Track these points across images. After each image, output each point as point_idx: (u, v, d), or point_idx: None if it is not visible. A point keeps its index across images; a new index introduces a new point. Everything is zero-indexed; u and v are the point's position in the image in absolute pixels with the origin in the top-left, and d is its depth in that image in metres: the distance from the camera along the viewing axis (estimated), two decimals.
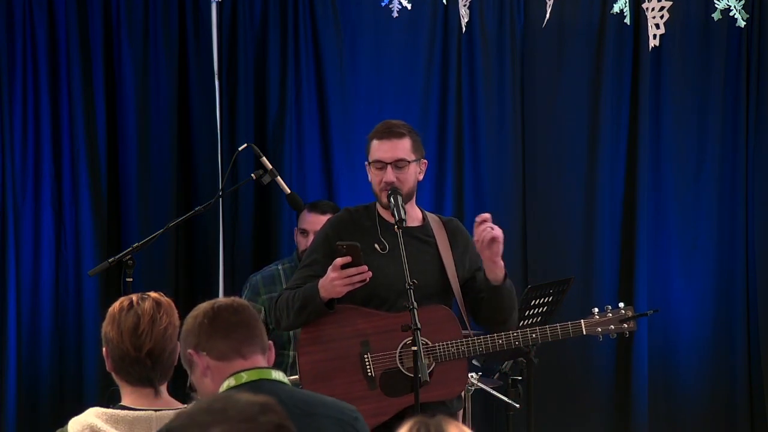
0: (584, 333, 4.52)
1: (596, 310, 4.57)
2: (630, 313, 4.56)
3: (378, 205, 4.53)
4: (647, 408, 6.51)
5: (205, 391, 2.84)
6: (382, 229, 4.46)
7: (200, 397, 2.83)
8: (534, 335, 4.46)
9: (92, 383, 6.13)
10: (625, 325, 4.55)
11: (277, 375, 2.83)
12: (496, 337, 4.44)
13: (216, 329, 2.81)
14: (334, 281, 4.29)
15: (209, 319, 2.82)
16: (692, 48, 6.60)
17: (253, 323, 2.86)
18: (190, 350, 2.84)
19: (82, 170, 6.19)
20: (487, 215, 4.35)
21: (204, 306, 2.86)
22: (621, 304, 4.60)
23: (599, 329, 4.53)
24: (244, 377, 2.78)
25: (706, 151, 6.63)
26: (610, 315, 4.55)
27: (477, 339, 4.41)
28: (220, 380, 2.81)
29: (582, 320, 4.52)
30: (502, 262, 4.38)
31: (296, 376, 4.67)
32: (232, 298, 2.90)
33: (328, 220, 4.64)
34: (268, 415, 1.95)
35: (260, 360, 2.84)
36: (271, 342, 2.91)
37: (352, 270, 4.27)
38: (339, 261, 4.28)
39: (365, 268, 4.28)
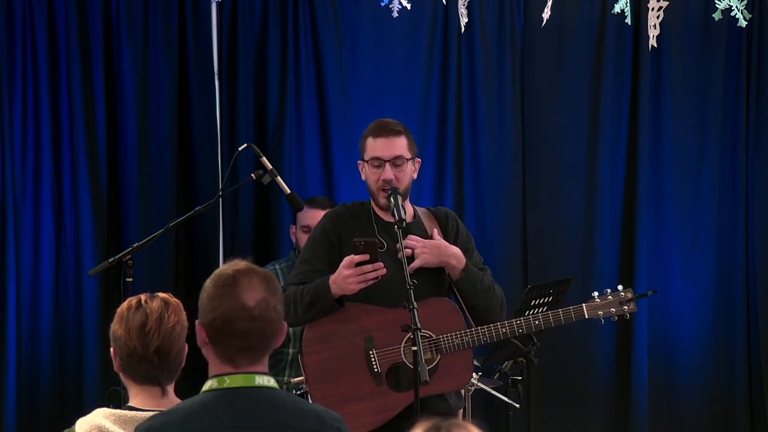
0: (586, 317, 4.56)
1: (596, 293, 4.61)
2: (630, 295, 4.62)
3: (373, 203, 4.53)
4: (647, 408, 6.51)
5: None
6: (378, 228, 4.48)
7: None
8: (537, 322, 4.50)
9: (92, 383, 6.12)
10: (625, 307, 4.59)
11: (261, 380, 2.69)
12: (499, 326, 4.47)
13: (226, 330, 2.67)
14: (347, 278, 4.27)
15: (224, 321, 2.65)
16: (692, 48, 6.60)
17: (267, 335, 2.68)
18: (198, 321, 2.71)
19: (82, 170, 6.19)
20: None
21: (231, 292, 2.67)
22: (620, 287, 4.65)
23: (600, 312, 4.58)
24: (227, 381, 2.67)
25: (706, 151, 6.63)
26: (611, 298, 4.61)
27: (481, 329, 4.43)
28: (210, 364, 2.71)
29: (583, 304, 4.57)
30: (448, 260, 4.44)
31: (300, 378, 4.67)
32: (263, 296, 2.68)
33: (326, 214, 4.66)
34: None
35: (253, 367, 2.70)
36: None
37: (368, 267, 4.27)
38: (356, 258, 4.27)
39: (381, 264, 4.28)
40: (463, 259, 4.45)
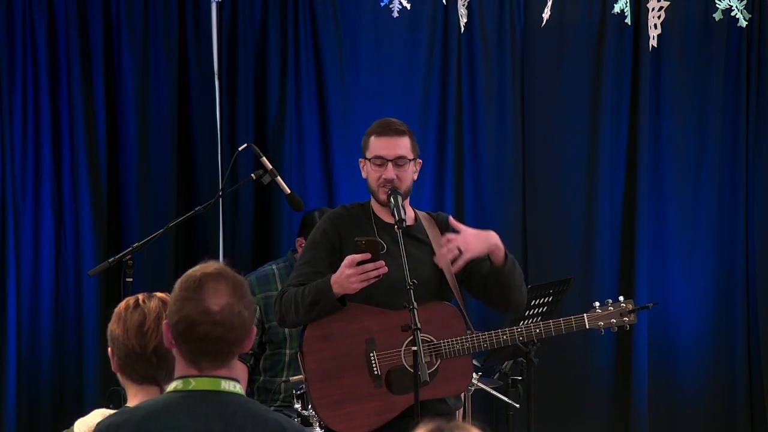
0: (587, 327, 4.57)
1: (597, 304, 4.62)
2: (631, 307, 4.61)
3: (373, 204, 4.52)
4: (647, 408, 6.51)
5: None
6: (378, 228, 4.47)
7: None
8: (538, 330, 4.50)
9: (92, 383, 6.13)
10: (626, 319, 4.61)
11: (227, 385, 2.66)
12: (500, 333, 4.46)
13: (189, 333, 2.66)
14: (350, 277, 4.25)
15: (187, 325, 2.63)
16: (692, 48, 6.61)
17: (229, 341, 2.65)
18: (165, 320, 2.71)
19: (82, 170, 6.19)
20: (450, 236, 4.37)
21: (197, 296, 2.64)
22: (621, 298, 4.66)
23: (601, 323, 4.59)
24: (192, 384, 2.65)
25: (706, 151, 6.64)
26: (611, 309, 4.61)
27: (482, 335, 4.43)
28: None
29: (585, 314, 4.57)
30: (496, 241, 4.37)
31: (299, 376, 4.67)
32: (227, 301, 2.65)
33: (326, 215, 4.63)
34: None
35: (219, 371, 2.67)
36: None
37: (369, 266, 4.25)
38: (357, 257, 4.25)
39: (382, 263, 4.26)
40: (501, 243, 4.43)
